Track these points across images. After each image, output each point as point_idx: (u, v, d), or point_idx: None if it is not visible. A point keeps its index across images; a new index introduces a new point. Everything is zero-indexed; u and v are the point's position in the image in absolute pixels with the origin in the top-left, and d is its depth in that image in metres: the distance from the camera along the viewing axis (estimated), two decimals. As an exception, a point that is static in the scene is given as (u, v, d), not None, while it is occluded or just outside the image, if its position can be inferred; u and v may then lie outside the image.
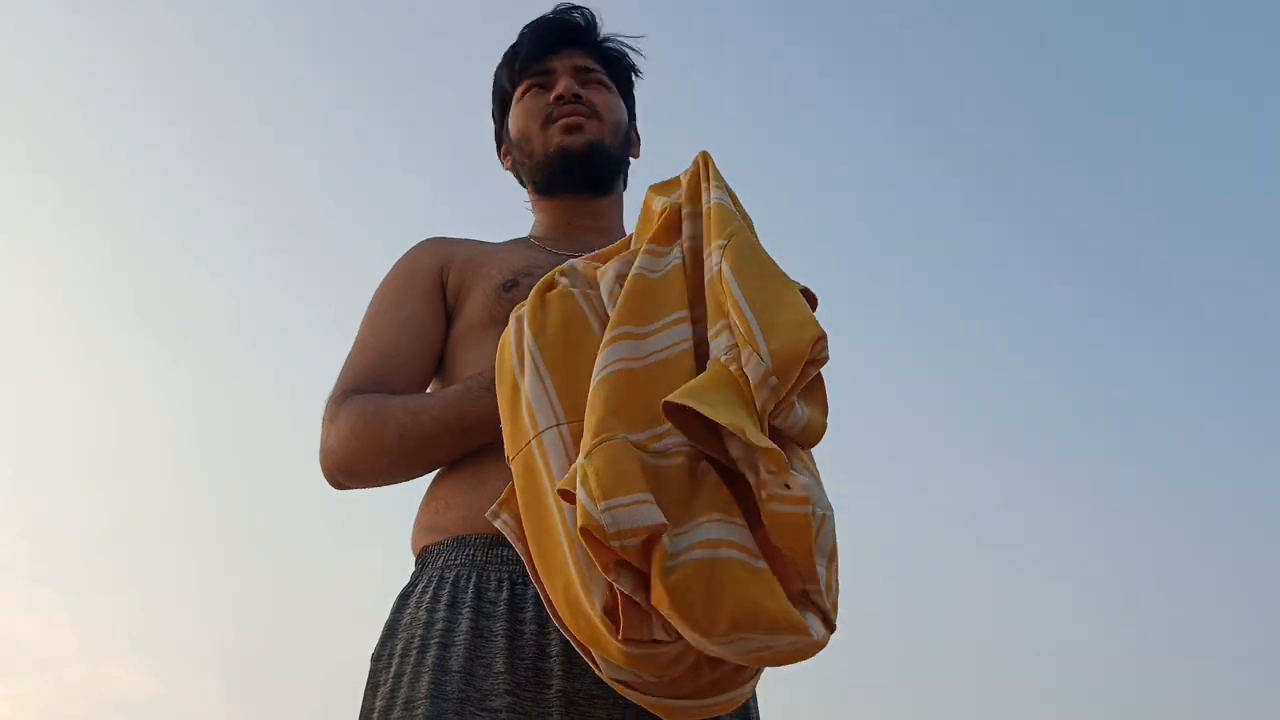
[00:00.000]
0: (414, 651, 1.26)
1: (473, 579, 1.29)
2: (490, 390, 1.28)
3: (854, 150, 5.89)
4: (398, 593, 1.37)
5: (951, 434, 5.77)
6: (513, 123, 1.61)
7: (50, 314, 5.68)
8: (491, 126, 1.71)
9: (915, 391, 5.80)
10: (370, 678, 1.30)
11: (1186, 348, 5.89)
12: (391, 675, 1.26)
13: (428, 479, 1.43)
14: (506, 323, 1.26)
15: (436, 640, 1.26)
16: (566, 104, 1.55)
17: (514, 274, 1.44)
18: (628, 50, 1.66)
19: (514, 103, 1.61)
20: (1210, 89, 5.94)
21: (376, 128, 5.52)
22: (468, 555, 1.31)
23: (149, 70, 5.50)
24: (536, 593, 1.26)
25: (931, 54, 5.95)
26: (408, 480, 1.41)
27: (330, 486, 1.43)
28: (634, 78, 1.67)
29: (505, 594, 1.27)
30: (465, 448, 1.35)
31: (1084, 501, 5.78)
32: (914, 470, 5.76)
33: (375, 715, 1.25)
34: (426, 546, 1.37)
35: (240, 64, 5.57)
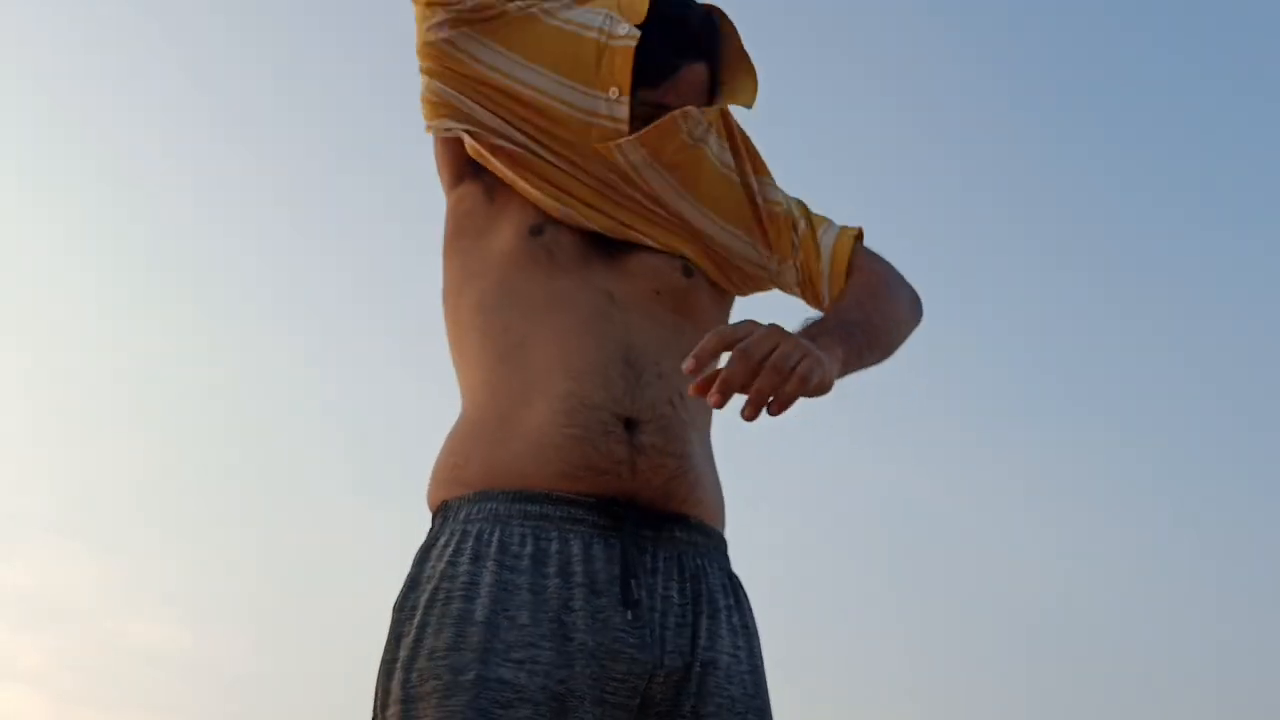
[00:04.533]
0: (438, 604, 1.26)
1: (495, 533, 1.28)
2: None
3: (850, 130, 5.84)
4: (418, 547, 1.36)
5: (960, 408, 5.79)
6: None
7: (72, 270, 5.71)
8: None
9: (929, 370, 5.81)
10: (394, 628, 1.29)
11: (1193, 325, 5.88)
12: (415, 626, 1.26)
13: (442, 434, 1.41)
14: (531, 267, 1.37)
15: (460, 593, 1.26)
16: None
17: (542, 219, 1.42)
18: None
19: None
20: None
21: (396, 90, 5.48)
22: (490, 510, 1.30)
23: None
24: (560, 547, 1.27)
25: (934, 37, 5.89)
26: None
27: None
28: None
29: (529, 549, 1.27)
30: None
31: (1090, 471, 5.80)
32: (929, 442, 5.78)
33: (399, 665, 1.25)
34: (446, 501, 1.36)
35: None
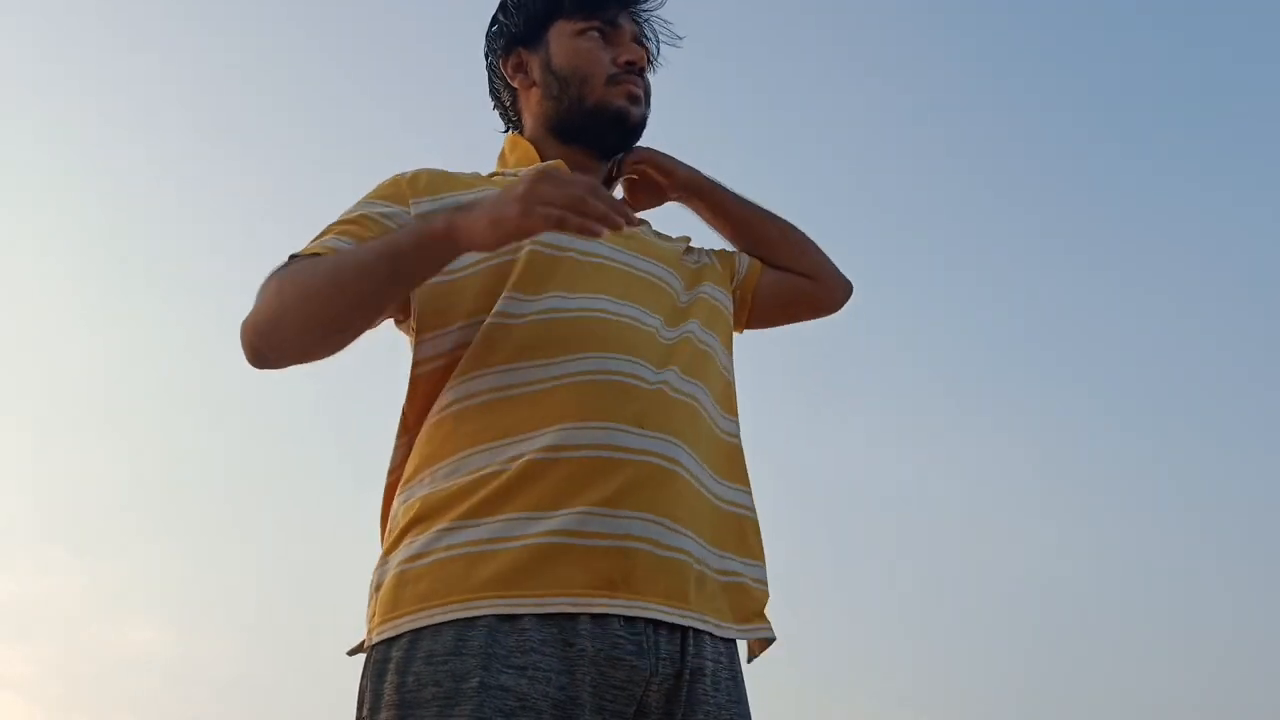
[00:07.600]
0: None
1: None
2: (424, 218, 1.31)
3: (843, 113, 5.84)
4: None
5: (959, 392, 5.80)
6: (563, 55, 1.53)
7: (53, 274, 5.67)
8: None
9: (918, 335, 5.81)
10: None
11: (1196, 308, 5.90)
12: (410, 627, 1.23)
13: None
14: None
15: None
16: (634, 73, 1.52)
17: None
18: (663, 43, 1.62)
19: (566, 32, 1.54)
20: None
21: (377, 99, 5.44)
22: None
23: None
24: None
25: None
26: (335, 343, 1.31)
27: (252, 365, 1.32)
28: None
29: None
30: (389, 286, 1.29)
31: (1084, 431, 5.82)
32: (912, 410, 5.80)
33: (391, 666, 1.22)
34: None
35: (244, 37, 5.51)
